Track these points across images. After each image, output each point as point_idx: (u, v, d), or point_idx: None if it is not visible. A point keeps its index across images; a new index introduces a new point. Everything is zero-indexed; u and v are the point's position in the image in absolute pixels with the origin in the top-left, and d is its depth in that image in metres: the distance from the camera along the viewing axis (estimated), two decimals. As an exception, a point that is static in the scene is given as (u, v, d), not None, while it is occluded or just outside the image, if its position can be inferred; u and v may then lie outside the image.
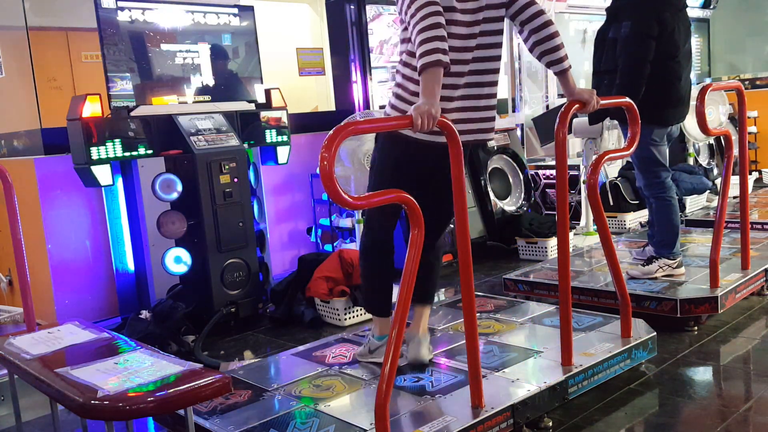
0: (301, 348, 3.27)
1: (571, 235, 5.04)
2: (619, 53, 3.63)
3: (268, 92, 4.58)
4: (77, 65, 5.82)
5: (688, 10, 3.81)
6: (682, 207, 5.99)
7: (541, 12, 2.65)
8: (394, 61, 5.83)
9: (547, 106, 6.69)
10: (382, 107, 5.49)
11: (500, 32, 2.69)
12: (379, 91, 5.89)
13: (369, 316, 3.94)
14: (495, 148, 5.77)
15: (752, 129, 8.11)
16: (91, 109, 3.74)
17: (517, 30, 2.75)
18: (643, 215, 5.67)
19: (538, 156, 6.57)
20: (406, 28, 2.59)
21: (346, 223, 5.05)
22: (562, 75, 2.68)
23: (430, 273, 2.91)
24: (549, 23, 2.64)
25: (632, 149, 2.98)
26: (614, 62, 3.66)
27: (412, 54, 2.56)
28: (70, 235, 4.14)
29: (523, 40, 2.72)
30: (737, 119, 3.92)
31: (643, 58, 3.56)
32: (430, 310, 2.99)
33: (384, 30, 6.06)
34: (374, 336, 2.99)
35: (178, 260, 4.03)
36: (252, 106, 4.49)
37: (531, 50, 2.69)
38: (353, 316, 3.96)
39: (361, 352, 3.03)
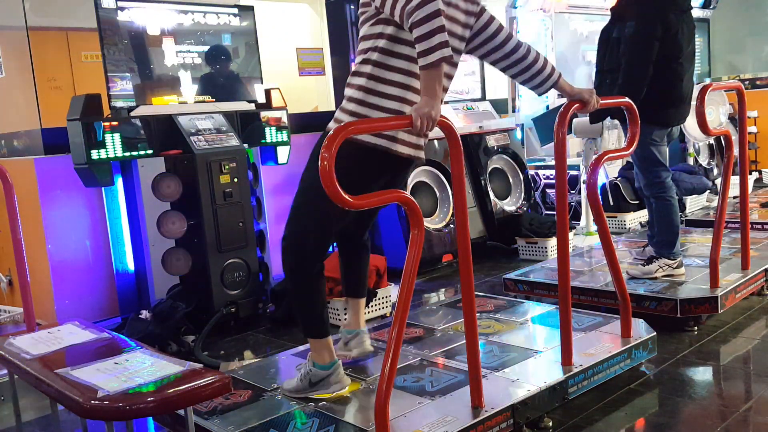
0: (301, 348, 3.26)
1: (571, 235, 5.04)
2: (623, 53, 3.63)
3: (268, 92, 4.57)
4: (77, 65, 5.82)
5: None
6: (682, 207, 5.99)
7: (516, 48, 2.61)
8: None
9: (547, 106, 6.69)
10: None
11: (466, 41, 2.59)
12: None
13: (371, 314, 3.95)
14: (495, 148, 5.76)
15: (752, 129, 8.10)
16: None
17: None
18: (643, 215, 5.67)
19: (538, 156, 6.58)
20: (379, 22, 2.32)
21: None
22: (556, 85, 2.71)
23: (361, 265, 2.93)
24: (526, 55, 2.62)
25: (632, 149, 2.98)
26: (617, 61, 3.66)
27: (387, 52, 2.31)
28: (70, 235, 4.14)
29: (510, 77, 2.72)
30: (737, 119, 3.92)
31: (646, 59, 3.56)
32: (364, 303, 3.00)
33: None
34: (316, 365, 2.58)
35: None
36: (252, 106, 4.49)
37: (522, 84, 2.72)
38: (353, 316, 3.95)
39: (297, 387, 2.60)
